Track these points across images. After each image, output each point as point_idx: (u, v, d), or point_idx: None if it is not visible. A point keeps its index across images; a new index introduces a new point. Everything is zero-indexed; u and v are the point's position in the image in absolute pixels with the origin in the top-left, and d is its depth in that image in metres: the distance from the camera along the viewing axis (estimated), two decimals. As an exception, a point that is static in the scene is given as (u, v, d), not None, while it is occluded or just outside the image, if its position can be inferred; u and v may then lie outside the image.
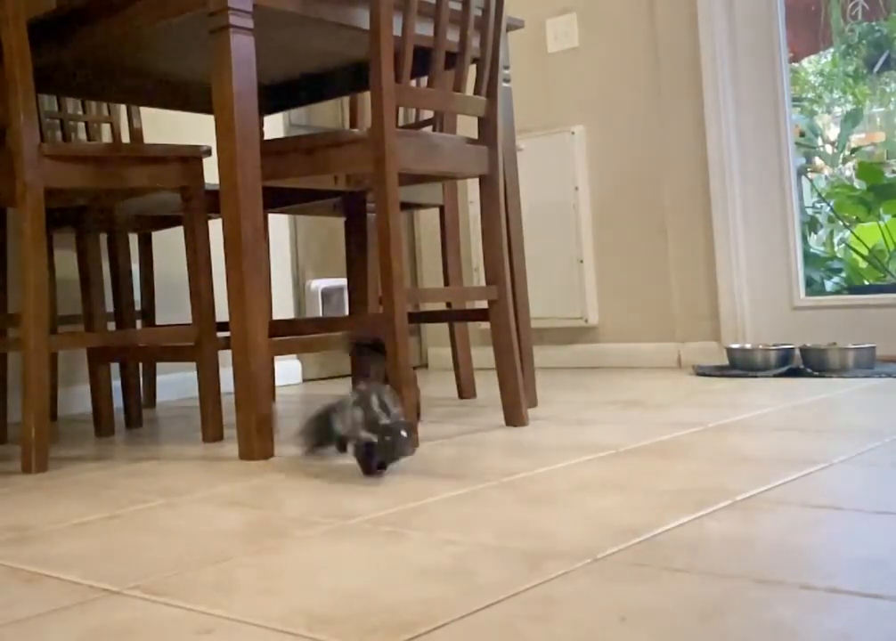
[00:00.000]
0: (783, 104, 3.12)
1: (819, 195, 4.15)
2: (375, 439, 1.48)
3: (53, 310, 2.54)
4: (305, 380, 3.56)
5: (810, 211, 3.99)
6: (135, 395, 2.40)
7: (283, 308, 3.39)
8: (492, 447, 1.77)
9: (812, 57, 4.30)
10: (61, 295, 2.74)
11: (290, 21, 2.00)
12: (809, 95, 4.39)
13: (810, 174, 4.17)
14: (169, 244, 2.95)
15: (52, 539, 1.23)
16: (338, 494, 1.40)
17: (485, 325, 3.51)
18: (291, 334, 2.23)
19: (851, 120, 4.18)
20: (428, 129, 2.53)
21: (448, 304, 2.73)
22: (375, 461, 1.52)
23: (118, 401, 2.60)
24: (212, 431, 2.03)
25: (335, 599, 0.90)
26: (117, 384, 2.63)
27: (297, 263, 3.60)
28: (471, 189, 3.58)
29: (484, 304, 2.25)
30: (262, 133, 2.61)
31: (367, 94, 2.58)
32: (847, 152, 4.19)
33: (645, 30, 3.30)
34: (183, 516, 1.32)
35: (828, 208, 4.09)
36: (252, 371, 1.75)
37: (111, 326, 2.49)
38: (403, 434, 1.48)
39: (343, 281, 3.39)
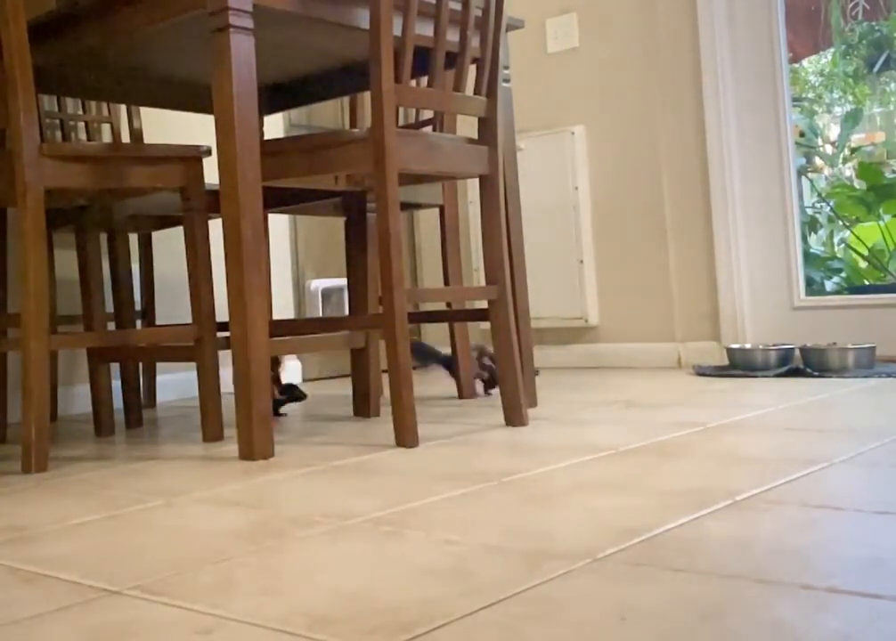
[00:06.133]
0: (783, 104, 3.12)
1: (819, 195, 4.15)
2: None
3: (53, 310, 2.54)
4: (305, 380, 3.56)
5: (810, 211, 3.99)
6: (135, 395, 2.40)
7: (283, 308, 3.39)
8: (492, 447, 1.77)
9: (812, 57, 4.30)
10: (60, 295, 2.75)
11: (290, 21, 2.00)
12: (809, 95, 4.39)
13: (810, 174, 4.17)
14: (169, 244, 2.95)
15: (52, 539, 1.23)
16: (338, 494, 1.40)
17: (485, 325, 3.51)
18: (291, 334, 2.23)
19: (851, 120, 4.18)
20: (428, 129, 2.53)
21: (448, 304, 2.72)
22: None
23: (118, 401, 2.60)
24: (212, 431, 2.03)
25: (335, 599, 0.90)
26: (117, 384, 2.63)
27: (297, 263, 3.60)
28: (471, 189, 3.58)
29: (484, 304, 2.25)
30: (262, 133, 2.61)
31: (367, 94, 2.58)
32: (847, 152, 4.19)
33: (645, 30, 3.30)
34: (182, 516, 1.32)
35: (828, 208, 4.10)
36: (252, 371, 1.75)
37: (111, 326, 2.49)
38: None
39: (343, 281, 3.39)
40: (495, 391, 2.63)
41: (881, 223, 3.86)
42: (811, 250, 3.85)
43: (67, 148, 1.92)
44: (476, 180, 2.17)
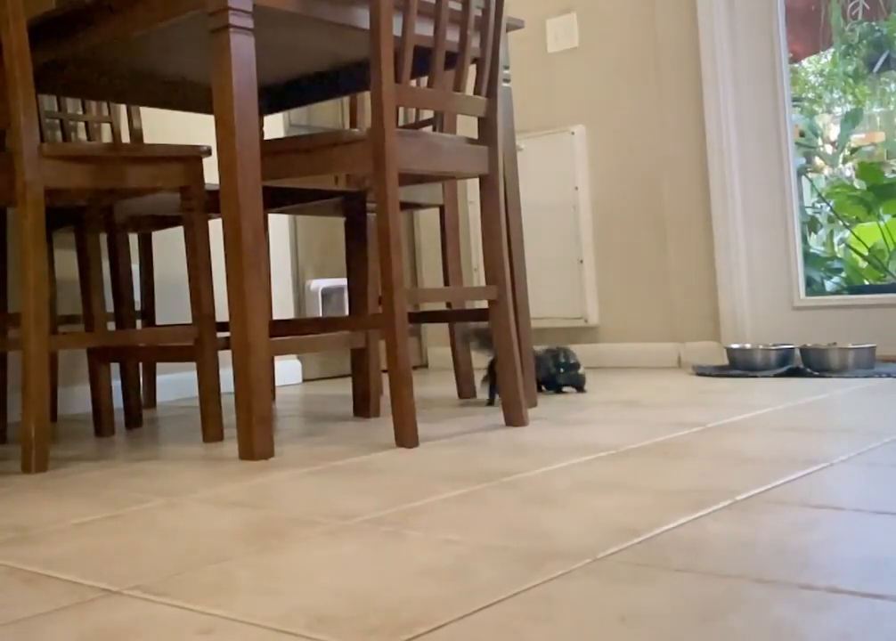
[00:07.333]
0: (783, 104, 3.12)
1: (819, 195, 4.15)
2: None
3: (53, 310, 2.54)
4: (305, 380, 3.56)
5: (810, 211, 3.99)
6: (135, 395, 2.40)
7: (283, 308, 3.39)
8: (492, 447, 1.77)
9: (812, 57, 4.30)
10: (61, 295, 2.75)
11: (290, 21, 2.00)
12: (809, 95, 4.39)
13: (810, 174, 4.17)
14: (169, 244, 2.95)
15: (52, 539, 1.23)
16: (338, 494, 1.40)
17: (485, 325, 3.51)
18: (291, 334, 2.23)
19: (851, 120, 4.18)
20: (428, 129, 2.53)
21: (448, 304, 2.72)
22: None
23: (118, 401, 2.60)
24: (212, 431, 2.03)
25: (335, 599, 0.90)
26: (117, 384, 2.63)
27: (297, 263, 3.60)
28: (471, 189, 3.58)
29: (484, 304, 2.25)
30: (262, 133, 2.61)
31: (367, 94, 2.58)
32: (847, 152, 4.19)
33: (645, 30, 3.30)
34: (183, 516, 1.32)
35: (828, 208, 4.10)
36: (252, 371, 1.75)
37: (111, 326, 2.49)
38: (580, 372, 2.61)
39: (343, 281, 3.39)
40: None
41: (881, 223, 3.86)
42: (811, 250, 3.85)
43: (67, 148, 1.91)
44: (476, 180, 2.17)
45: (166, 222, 2.72)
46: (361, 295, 2.42)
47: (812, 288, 3.49)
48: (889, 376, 2.57)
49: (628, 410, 2.17)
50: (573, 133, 3.42)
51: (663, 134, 3.28)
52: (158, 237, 2.92)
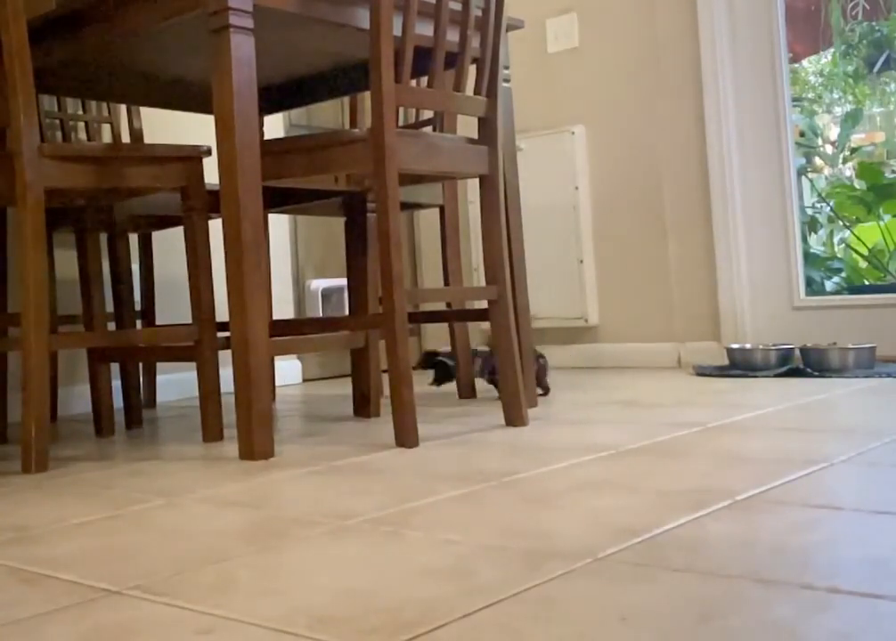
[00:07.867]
0: (783, 104, 3.12)
1: (819, 195, 4.14)
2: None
3: (53, 310, 2.54)
4: (305, 380, 3.56)
5: (810, 211, 3.99)
6: (135, 395, 2.40)
7: (283, 308, 3.39)
8: (492, 447, 1.77)
9: (812, 57, 4.30)
10: (60, 295, 2.75)
11: (290, 21, 2.00)
12: (809, 95, 4.39)
13: (810, 174, 4.17)
14: (169, 244, 2.95)
15: (52, 539, 1.23)
16: (338, 494, 1.40)
17: (485, 325, 3.51)
18: (291, 334, 2.23)
19: (851, 120, 4.18)
20: (428, 129, 2.53)
21: (448, 304, 2.72)
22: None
23: (118, 401, 2.60)
24: (212, 431, 2.03)
25: (335, 599, 0.90)
26: (117, 384, 2.63)
27: (297, 263, 3.60)
28: (471, 189, 3.59)
29: (484, 304, 2.25)
30: (262, 133, 2.61)
31: (367, 94, 2.58)
32: (847, 152, 4.19)
33: (645, 30, 3.30)
34: (183, 516, 1.32)
35: (828, 208, 4.09)
36: (252, 371, 1.75)
37: (111, 326, 2.49)
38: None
39: (343, 281, 3.39)
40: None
41: (881, 223, 3.86)
42: (811, 250, 3.85)
43: (67, 148, 1.91)
44: (476, 180, 2.17)
45: (166, 222, 2.72)
46: (361, 295, 2.42)
47: (812, 288, 3.49)
48: (889, 376, 2.57)
49: (628, 410, 2.17)
50: (573, 133, 3.42)
51: (664, 134, 3.28)
52: (158, 237, 2.92)
